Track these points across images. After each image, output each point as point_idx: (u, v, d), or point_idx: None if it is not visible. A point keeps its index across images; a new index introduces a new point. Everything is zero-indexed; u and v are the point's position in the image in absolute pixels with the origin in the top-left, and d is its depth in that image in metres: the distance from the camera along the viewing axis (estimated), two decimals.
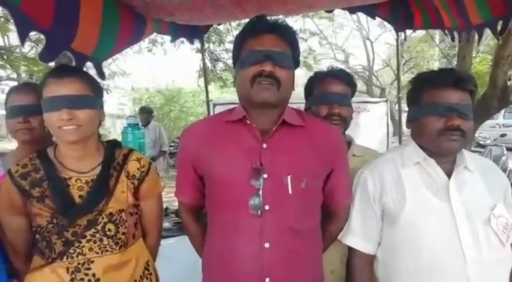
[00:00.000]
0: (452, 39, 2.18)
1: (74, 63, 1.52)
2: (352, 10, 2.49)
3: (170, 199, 1.59)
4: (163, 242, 1.44)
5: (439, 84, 1.11)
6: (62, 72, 1.13)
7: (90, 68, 1.77)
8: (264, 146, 1.11)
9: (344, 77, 1.47)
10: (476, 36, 1.88)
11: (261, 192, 1.06)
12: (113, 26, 1.66)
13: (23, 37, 1.16)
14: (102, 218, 1.15)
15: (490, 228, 1.08)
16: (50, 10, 1.28)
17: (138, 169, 1.25)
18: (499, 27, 1.63)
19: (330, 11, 2.57)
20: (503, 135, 7.72)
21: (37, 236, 1.14)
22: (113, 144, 1.27)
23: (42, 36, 1.30)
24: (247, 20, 2.38)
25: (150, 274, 1.28)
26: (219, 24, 2.81)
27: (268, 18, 1.15)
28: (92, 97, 1.15)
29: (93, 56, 1.60)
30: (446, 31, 2.16)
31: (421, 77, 1.20)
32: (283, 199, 1.08)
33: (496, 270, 1.08)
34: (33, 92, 1.35)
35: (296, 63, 1.18)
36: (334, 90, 1.43)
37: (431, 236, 1.09)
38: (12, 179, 1.13)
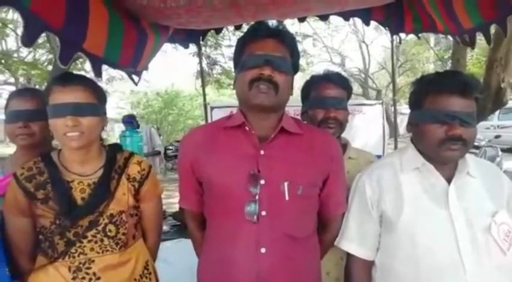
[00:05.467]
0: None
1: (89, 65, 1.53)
2: (347, 15, 2.50)
3: (168, 202, 1.60)
4: (160, 244, 1.45)
5: (443, 90, 1.05)
6: (66, 80, 1.16)
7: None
8: (262, 152, 1.12)
9: (340, 81, 1.48)
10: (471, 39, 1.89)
11: (257, 198, 1.07)
12: (118, 26, 1.67)
13: (33, 38, 1.15)
14: (103, 219, 1.18)
15: (491, 236, 1.04)
16: (61, 9, 1.27)
17: (138, 172, 1.28)
18: (492, 31, 1.64)
19: (325, 19, 2.58)
20: (497, 137, 7.72)
21: (41, 236, 1.18)
22: (115, 148, 1.31)
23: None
24: (241, 25, 2.40)
25: (150, 274, 1.31)
26: (217, 33, 2.81)
27: (270, 23, 1.16)
28: (96, 104, 1.18)
29: (105, 57, 1.60)
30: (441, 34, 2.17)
31: (426, 80, 1.14)
32: (280, 205, 1.09)
33: (496, 279, 1.04)
34: (33, 97, 1.37)
35: (295, 69, 1.19)
36: (330, 95, 1.44)
37: (429, 244, 1.06)
38: (18, 181, 1.17)
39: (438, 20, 1.96)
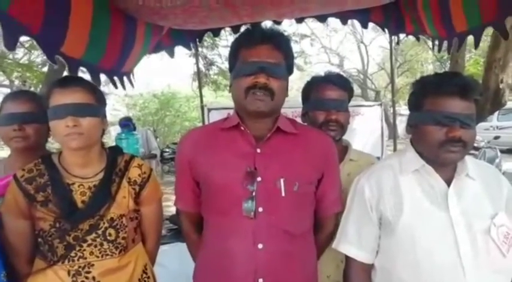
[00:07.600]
0: (439, 50, 2.15)
1: (66, 69, 1.49)
2: (345, 18, 2.48)
3: (165, 205, 1.57)
4: None
5: (443, 92, 1.04)
6: (66, 82, 1.17)
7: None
8: (258, 151, 1.14)
9: (341, 83, 1.46)
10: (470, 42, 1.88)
11: (254, 194, 1.08)
12: (103, 27, 1.64)
13: (12, 43, 1.12)
14: (104, 223, 1.17)
15: (490, 238, 1.04)
16: (40, 13, 1.24)
17: (139, 175, 1.28)
18: (486, 32, 1.63)
19: (324, 20, 2.56)
20: (496, 138, 7.72)
21: (40, 239, 1.17)
22: (115, 151, 1.30)
23: (35, 42, 1.27)
24: (238, 27, 2.38)
25: (148, 278, 1.30)
26: (215, 35, 2.79)
27: (263, 27, 1.17)
28: (96, 106, 1.18)
29: (83, 59, 1.57)
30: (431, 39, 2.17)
31: (425, 81, 1.13)
32: (276, 201, 1.11)
33: (495, 281, 1.05)
34: (28, 99, 1.36)
35: (290, 71, 1.20)
36: (331, 96, 1.42)
37: (428, 246, 1.06)
38: (18, 183, 1.16)
39: (427, 24, 1.95)
